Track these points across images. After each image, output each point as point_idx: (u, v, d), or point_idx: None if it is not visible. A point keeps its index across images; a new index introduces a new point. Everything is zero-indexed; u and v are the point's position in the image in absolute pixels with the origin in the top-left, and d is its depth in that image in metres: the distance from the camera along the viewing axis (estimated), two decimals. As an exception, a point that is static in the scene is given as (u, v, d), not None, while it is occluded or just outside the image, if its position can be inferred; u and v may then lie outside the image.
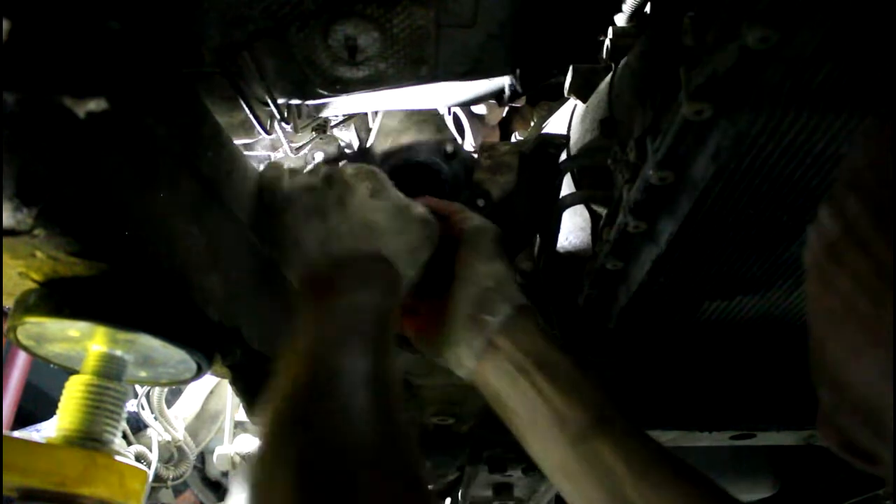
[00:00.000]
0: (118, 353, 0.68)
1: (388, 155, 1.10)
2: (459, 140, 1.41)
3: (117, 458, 0.64)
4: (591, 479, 0.69)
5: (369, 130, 1.13)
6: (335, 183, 0.78)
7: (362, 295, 0.69)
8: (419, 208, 0.81)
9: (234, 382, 0.82)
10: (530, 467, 0.94)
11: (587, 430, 0.70)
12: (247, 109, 0.86)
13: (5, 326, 0.64)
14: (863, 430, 0.42)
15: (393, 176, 0.86)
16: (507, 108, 1.29)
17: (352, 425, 0.55)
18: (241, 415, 2.14)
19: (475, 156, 1.08)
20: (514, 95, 1.04)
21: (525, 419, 0.74)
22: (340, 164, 0.91)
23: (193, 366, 0.71)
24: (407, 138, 1.10)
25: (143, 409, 2.02)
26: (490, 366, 0.76)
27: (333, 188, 0.78)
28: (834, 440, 0.45)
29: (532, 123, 1.22)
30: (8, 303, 0.63)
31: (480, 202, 0.98)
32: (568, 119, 1.09)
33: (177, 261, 0.65)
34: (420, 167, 1.06)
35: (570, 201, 0.98)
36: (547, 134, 1.05)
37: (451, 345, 0.79)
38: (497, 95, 1.02)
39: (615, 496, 0.67)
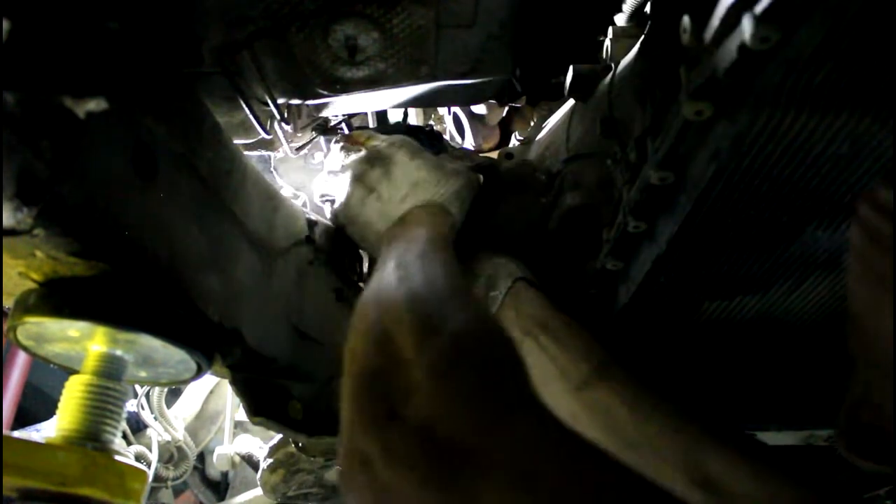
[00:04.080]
0: (118, 353, 0.68)
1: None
2: (459, 140, 1.41)
3: (117, 458, 0.64)
4: (596, 423, 0.75)
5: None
6: (376, 160, 0.88)
7: (418, 234, 0.78)
8: (452, 162, 0.92)
9: (234, 382, 0.82)
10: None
11: (589, 379, 0.77)
12: (247, 109, 0.86)
13: (5, 326, 0.64)
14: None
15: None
16: (507, 108, 1.29)
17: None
18: (241, 415, 2.14)
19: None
20: (514, 95, 1.04)
21: (535, 377, 0.79)
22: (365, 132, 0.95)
23: (193, 366, 0.71)
24: None
25: (143, 409, 2.02)
26: None
27: (376, 166, 0.88)
28: (863, 424, 0.45)
29: (532, 123, 1.22)
30: (8, 303, 0.63)
31: None
32: (567, 119, 1.09)
33: (177, 261, 0.65)
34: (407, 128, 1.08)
35: (570, 202, 0.98)
36: (521, 159, 1.08)
37: None
38: (497, 95, 1.02)
39: (617, 437, 0.73)
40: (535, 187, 1.03)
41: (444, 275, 0.64)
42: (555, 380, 0.79)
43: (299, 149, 1.09)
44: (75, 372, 0.68)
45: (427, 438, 0.44)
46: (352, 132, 0.98)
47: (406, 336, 0.54)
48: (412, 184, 0.86)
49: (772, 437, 1.04)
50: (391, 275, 0.65)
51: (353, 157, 0.91)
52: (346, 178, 0.91)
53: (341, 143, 0.95)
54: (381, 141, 0.93)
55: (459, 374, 0.49)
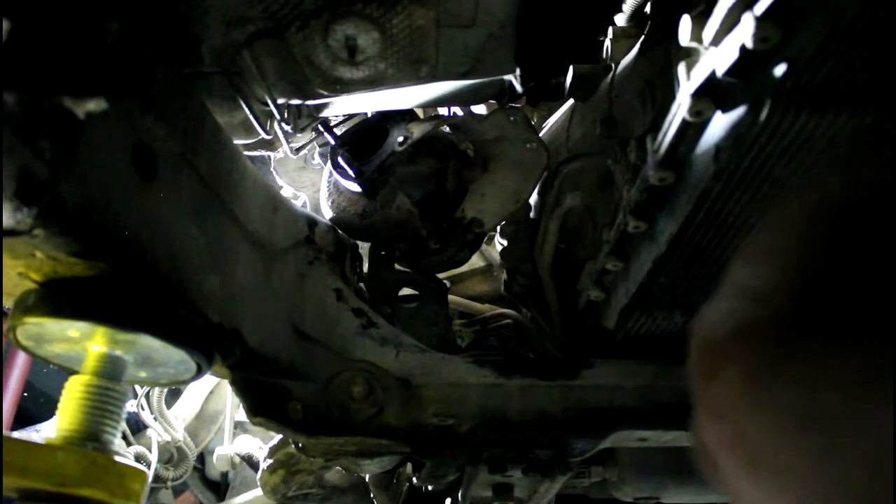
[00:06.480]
0: (118, 353, 0.68)
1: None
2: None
3: (117, 458, 0.64)
4: None
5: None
6: None
7: None
8: None
9: (234, 383, 0.81)
10: (530, 467, 0.94)
11: None
12: (247, 109, 0.86)
13: (5, 327, 0.63)
14: None
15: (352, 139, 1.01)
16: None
17: None
18: (241, 415, 2.14)
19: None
20: (514, 95, 1.04)
21: None
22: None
23: (193, 366, 0.71)
24: None
25: (142, 409, 2.02)
26: None
27: None
28: None
29: (532, 123, 1.23)
30: (8, 303, 0.63)
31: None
32: (567, 119, 1.09)
33: (177, 261, 0.65)
34: (375, 129, 1.07)
35: (570, 202, 0.98)
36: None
37: None
38: (497, 95, 1.02)
39: None
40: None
41: None
42: None
43: (299, 149, 1.08)
44: (75, 372, 0.68)
45: None
46: None
47: None
48: None
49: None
50: None
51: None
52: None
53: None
54: None
55: None
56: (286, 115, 0.92)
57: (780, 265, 0.34)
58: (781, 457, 0.32)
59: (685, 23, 0.57)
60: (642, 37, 0.83)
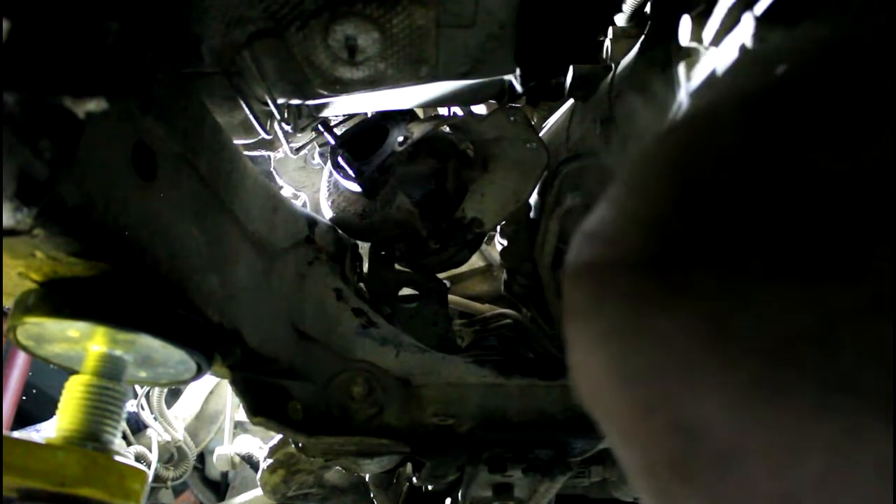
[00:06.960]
0: (118, 353, 0.68)
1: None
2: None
3: (117, 458, 0.64)
4: None
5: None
6: None
7: None
8: None
9: (234, 382, 0.82)
10: (530, 467, 0.94)
11: None
12: (247, 109, 0.86)
13: (5, 327, 0.63)
14: None
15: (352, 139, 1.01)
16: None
17: None
18: (241, 415, 2.14)
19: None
20: (515, 95, 1.04)
21: None
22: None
23: (193, 366, 0.71)
24: None
25: (142, 409, 2.02)
26: None
27: None
28: None
29: (532, 123, 1.23)
30: (8, 303, 0.63)
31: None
32: (567, 119, 1.09)
33: (177, 261, 0.65)
34: (375, 129, 1.07)
35: (570, 202, 0.98)
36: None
37: None
38: (497, 95, 1.02)
39: None
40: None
41: None
42: None
43: (299, 149, 1.09)
44: (75, 372, 0.68)
45: None
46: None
47: None
48: None
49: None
50: None
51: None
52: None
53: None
54: None
55: None
56: (286, 115, 0.92)
57: (624, 210, 0.32)
58: (608, 407, 0.30)
59: (685, 23, 0.57)
60: (642, 37, 0.83)
